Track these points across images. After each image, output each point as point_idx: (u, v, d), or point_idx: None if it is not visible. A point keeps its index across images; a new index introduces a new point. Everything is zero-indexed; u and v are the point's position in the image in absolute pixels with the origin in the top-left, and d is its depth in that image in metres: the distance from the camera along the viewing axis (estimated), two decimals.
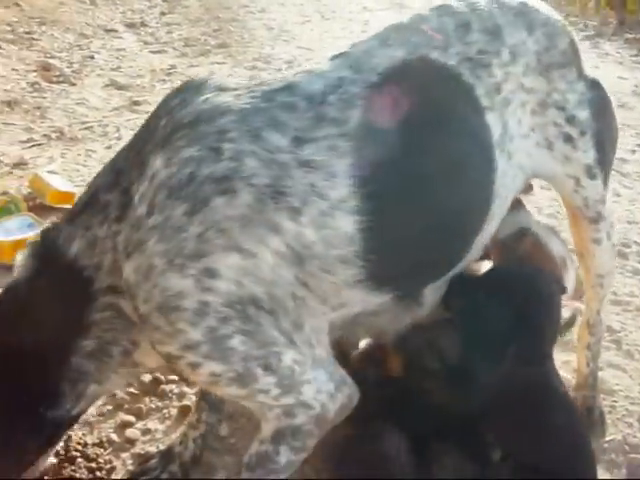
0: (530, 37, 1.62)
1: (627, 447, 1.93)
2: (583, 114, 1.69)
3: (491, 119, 1.53)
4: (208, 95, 1.33)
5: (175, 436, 1.81)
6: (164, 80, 4.89)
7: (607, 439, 1.94)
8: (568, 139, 1.68)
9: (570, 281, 1.82)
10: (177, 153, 1.24)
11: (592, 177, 1.73)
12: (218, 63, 5.40)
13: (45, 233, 1.37)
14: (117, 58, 5.38)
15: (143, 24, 6.54)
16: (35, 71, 4.82)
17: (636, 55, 7.19)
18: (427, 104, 1.45)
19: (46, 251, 1.33)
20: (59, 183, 2.91)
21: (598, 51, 7.22)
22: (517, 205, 1.80)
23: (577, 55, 1.73)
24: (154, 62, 5.33)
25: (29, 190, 2.97)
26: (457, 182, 1.46)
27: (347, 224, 1.30)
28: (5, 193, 2.91)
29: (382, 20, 6.21)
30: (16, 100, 4.14)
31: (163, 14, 7.07)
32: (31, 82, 4.56)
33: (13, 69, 4.79)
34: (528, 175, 1.69)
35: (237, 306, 1.22)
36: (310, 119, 1.31)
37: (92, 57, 5.32)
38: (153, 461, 1.76)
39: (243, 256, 1.22)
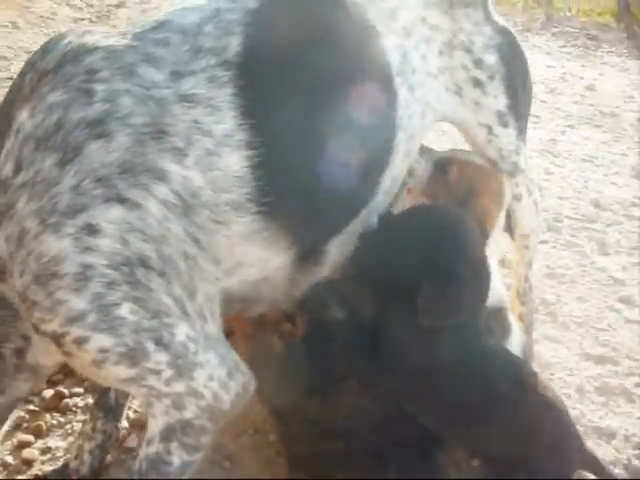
0: None
1: None
2: (491, 58, 1.60)
3: (387, 45, 1.42)
4: (71, 38, 1.17)
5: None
6: None
7: None
8: (477, 84, 1.59)
9: (506, 184, 1.69)
10: (42, 100, 1.09)
11: (504, 125, 1.64)
12: None
13: None
14: None
15: None
16: None
17: (563, 46, 7.35)
18: (314, 26, 1.32)
19: None
20: None
21: (527, 44, 7.25)
22: (426, 148, 1.67)
23: None
24: None
25: None
26: (352, 109, 1.32)
27: (236, 162, 1.15)
28: None
29: None
30: None
31: None
32: None
33: None
34: (438, 118, 1.58)
35: (124, 268, 1.06)
36: (187, 52, 1.17)
37: (11, 78, 5.09)
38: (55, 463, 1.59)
39: (126, 208, 1.06)
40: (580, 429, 1.75)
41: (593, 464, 1.48)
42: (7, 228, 1.07)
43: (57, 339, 1.10)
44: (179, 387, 1.14)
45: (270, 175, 1.18)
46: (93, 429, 1.56)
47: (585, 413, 1.84)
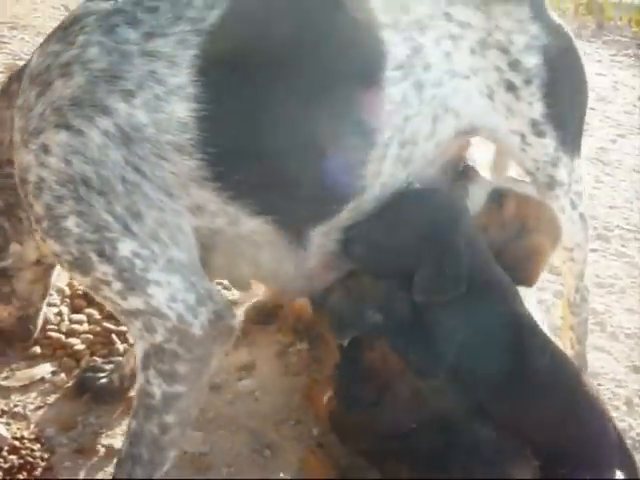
0: None
1: None
2: (531, 60, 1.50)
3: (389, 37, 1.38)
4: (93, 2, 1.35)
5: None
6: None
7: None
8: (510, 87, 1.50)
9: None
10: (47, 48, 1.33)
11: (539, 134, 1.55)
12: None
13: None
14: None
15: None
16: (2, 72, 4.64)
17: (614, 55, 7.20)
18: (297, 6, 1.36)
19: None
20: None
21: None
22: (473, 175, 1.60)
23: None
24: None
25: None
26: (326, 92, 1.33)
27: (181, 109, 1.26)
28: None
29: None
30: None
31: None
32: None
33: None
34: (464, 125, 1.50)
35: (69, 185, 1.24)
36: (168, 18, 1.30)
37: None
38: (107, 366, 1.78)
39: (71, 134, 1.24)
40: (628, 442, 1.72)
41: (630, 467, 1.44)
42: (14, 136, 1.34)
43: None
44: (136, 302, 1.24)
45: (214, 129, 1.27)
46: None
47: (633, 426, 1.80)
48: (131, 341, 1.89)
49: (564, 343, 1.86)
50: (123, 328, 1.91)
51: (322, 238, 1.42)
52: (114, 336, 1.90)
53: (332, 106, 1.33)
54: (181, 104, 1.26)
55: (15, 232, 1.49)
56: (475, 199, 1.57)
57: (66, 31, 1.32)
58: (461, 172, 1.61)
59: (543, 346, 1.40)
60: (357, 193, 1.41)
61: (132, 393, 1.71)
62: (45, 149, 1.25)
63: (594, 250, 2.70)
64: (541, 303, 2.29)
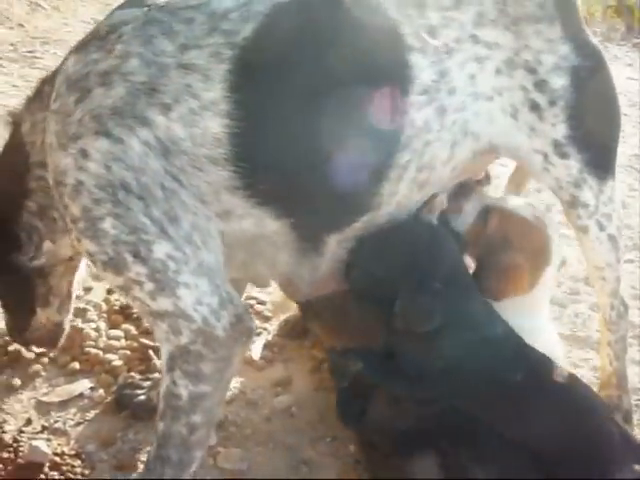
0: None
1: None
2: (558, 81, 1.49)
3: (416, 61, 1.41)
4: (126, 11, 1.41)
5: None
6: None
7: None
8: (534, 107, 1.50)
9: (553, 234, 1.65)
10: (85, 56, 1.36)
11: (562, 156, 1.54)
12: None
13: (13, 114, 1.53)
14: None
15: None
16: None
17: None
18: (331, 26, 1.39)
19: (12, 128, 1.52)
20: None
21: (607, 55, 7.08)
22: (468, 192, 1.65)
23: (566, 11, 1.53)
24: None
25: None
26: (351, 113, 1.37)
27: (215, 125, 1.32)
28: None
29: None
30: None
31: None
32: None
33: (13, 85, 4.70)
34: (483, 145, 1.52)
35: (108, 189, 1.29)
36: (203, 30, 1.34)
37: None
38: (144, 383, 1.79)
39: (111, 141, 1.30)
40: None
41: None
42: (47, 137, 1.38)
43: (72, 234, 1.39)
44: (165, 303, 1.29)
45: (245, 144, 1.33)
46: None
47: None
48: None
49: (602, 359, 1.84)
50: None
51: (336, 246, 1.49)
52: (151, 352, 1.92)
53: (356, 126, 1.38)
54: (214, 120, 1.31)
55: (48, 231, 1.54)
56: (467, 216, 1.64)
57: (104, 40, 1.36)
58: (458, 189, 1.64)
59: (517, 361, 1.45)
60: (372, 208, 1.47)
61: None
62: (84, 154, 1.30)
63: (630, 261, 2.67)
64: (577, 316, 2.28)
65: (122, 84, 1.31)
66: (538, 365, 1.45)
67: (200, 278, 1.31)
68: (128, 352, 1.92)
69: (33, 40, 6.02)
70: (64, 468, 1.56)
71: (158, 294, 1.29)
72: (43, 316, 1.69)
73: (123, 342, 1.96)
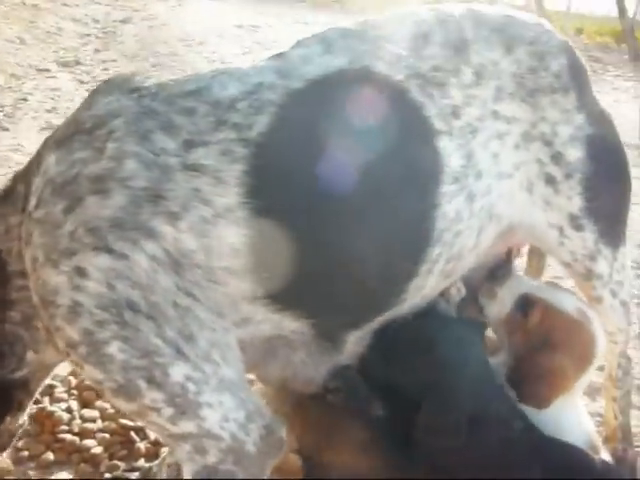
0: (507, 56, 1.40)
1: None
2: (574, 153, 1.45)
3: (446, 146, 1.31)
4: (112, 98, 1.23)
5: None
6: None
7: None
8: (550, 181, 1.44)
9: (599, 333, 1.55)
10: (70, 154, 1.19)
11: (578, 228, 1.49)
12: None
13: None
14: (52, 99, 5.03)
15: (77, 62, 6.22)
16: None
17: None
18: (354, 119, 1.24)
19: None
20: None
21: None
22: (508, 272, 1.55)
23: (580, 79, 1.49)
24: None
25: None
26: (379, 212, 1.27)
27: (232, 235, 1.17)
28: None
29: None
30: None
31: (97, 51, 6.76)
32: None
33: None
34: (504, 226, 1.44)
35: (112, 310, 1.14)
36: (208, 123, 1.19)
37: (25, 99, 4.96)
38: (132, 476, 1.64)
39: (114, 257, 1.14)
40: None
41: None
42: (28, 250, 1.21)
43: (68, 357, 1.22)
44: (188, 426, 1.17)
45: (268, 254, 1.19)
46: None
47: None
48: (152, 438, 1.74)
49: (607, 413, 1.79)
50: (141, 423, 1.76)
51: (355, 342, 1.39)
52: (132, 433, 1.75)
53: (386, 223, 1.27)
54: (230, 229, 1.17)
55: (32, 340, 1.36)
56: (503, 304, 1.51)
57: (90, 134, 1.19)
58: (492, 272, 1.54)
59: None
60: (398, 303, 1.35)
61: None
62: (81, 272, 1.14)
63: None
64: None
65: (120, 191, 1.15)
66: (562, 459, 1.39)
67: (223, 394, 1.18)
68: (107, 435, 1.74)
69: None
70: None
71: (179, 418, 1.16)
72: (12, 422, 1.49)
73: (100, 424, 1.78)
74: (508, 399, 1.46)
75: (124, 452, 1.71)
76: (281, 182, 1.20)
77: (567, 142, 1.44)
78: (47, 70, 5.79)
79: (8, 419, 1.46)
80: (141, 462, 1.67)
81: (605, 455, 1.54)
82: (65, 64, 6.09)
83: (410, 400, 1.36)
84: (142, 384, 1.14)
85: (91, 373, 1.18)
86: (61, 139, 1.23)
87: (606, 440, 1.78)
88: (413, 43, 1.34)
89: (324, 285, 1.27)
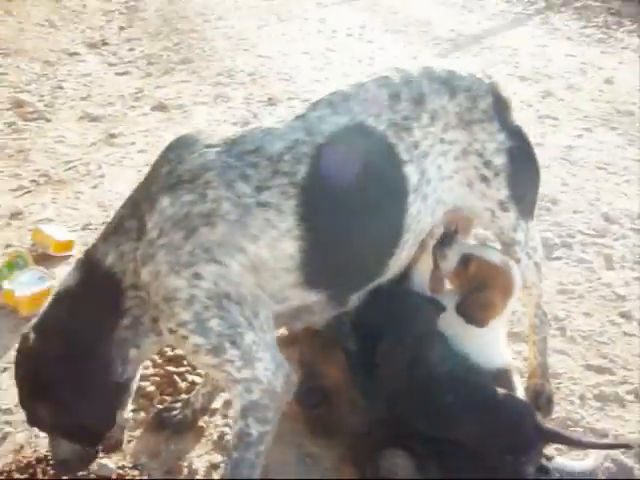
0: (452, 101, 2.05)
1: (570, 422, 2.39)
2: (499, 160, 2.10)
3: (409, 170, 1.98)
4: (197, 153, 1.84)
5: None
6: (133, 106, 5.23)
7: (553, 417, 2.39)
8: (484, 179, 2.11)
9: (517, 275, 2.23)
10: (179, 198, 1.79)
11: (505, 210, 2.17)
12: (183, 82, 5.73)
13: (87, 251, 1.91)
14: (85, 85, 5.67)
15: (104, 42, 6.81)
16: (10, 109, 5.10)
17: (584, 27, 7.53)
18: (358, 160, 1.93)
19: (89, 263, 1.88)
20: (58, 234, 3.29)
21: (547, 27, 7.63)
22: (453, 239, 2.23)
23: (501, 110, 2.14)
24: (121, 86, 5.65)
25: (32, 242, 3.34)
26: (375, 219, 1.95)
27: (291, 247, 1.83)
28: (9, 246, 3.31)
29: (338, 17, 6.60)
30: None
31: (122, 29, 7.33)
32: (8, 122, 4.84)
33: None
34: (449, 207, 2.12)
35: (215, 299, 1.76)
36: (269, 172, 1.83)
37: (61, 87, 5.59)
38: (177, 404, 2.39)
39: (219, 265, 1.77)
40: (579, 429, 2.34)
41: (557, 437, 2.06)
42: (150, 266, 1.78)
43: (171, 332, 1.82)
44: (246, 374, 1.81)
45: (310, 255, 1.85)
46: (207, 378, 2.33)
47: (584, 417, 2.40)
48: (190, 379, 2.48)
49: (530, 354, 2.49)
50: (181, 369, 2.51)
51: (355, 299, 2.08)
52: (175, 376, 2.49)
53: (383, 226, 1.98)
54: (289, 243, 1.82)
55: (135, 338, 1.90)
56: (450, 262, 2.21)
57: (193, 184, 1.79)
58: (442, 240, 2.21)
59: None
60: (384, 273, 2.06)
61: (200, 423, 2.34)
62: (197, 276, 1.75)
63: (558, 258, 3.30)
64: (513, 314, 2.87)
65: (222, 223, 1.76)
66: (475, 387, 2.08)
67: (266, 352, 1.83)
68: (157, 379, 2.49)
69: None
70: (127, 478, 2.14)
71: (243, 368, 1.80)
72: (121, 419, 2.04)
73: (152, 370, 2.52)
74: (443, 346, 2.16)
75: (170, 390, 2.47)
76: (320, 207, 1.85)
77: (494, 153, 2.10)
78: (77, 54, 6.41)
79: (118, 417, 1.99)
80: (182, 396, 2.41)
81: (517, 376, 2.22)
82: (93, 45, 6.69)
83: (378, 338, 2.08)
84: (227, 345, 1.77)
85: (194, 340, 1.76)
86: (167, 187, 1.80)
87: (529, 376, 2.47)
88: (389, 101, 1.99)
89: (341, 269, 1.94)
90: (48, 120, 4.94)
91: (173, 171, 1.83)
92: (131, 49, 6.67)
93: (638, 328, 2.84)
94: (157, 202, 1.79)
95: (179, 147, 1.89)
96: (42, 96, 5.39)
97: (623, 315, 2.91)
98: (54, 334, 1.83)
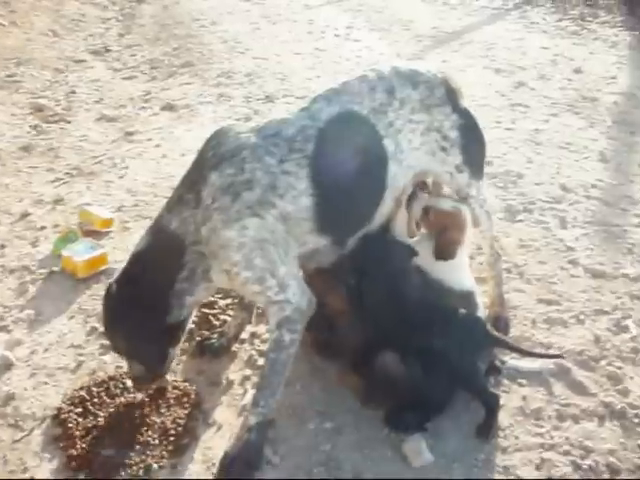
0: (415, 91, 2.82)
1: (522, 339, 3.13)
2: (453, 134, 2.88)
3: (387, 142, 2.71)
4: (233, 138, 2.53)
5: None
6: (144, 107, 5.97)
7: (510, 336, 3.13)
8: (443, 149, 2.89)
9: (466, 213, 3.01)
10: (224, 171, 2.46)
11: (460, 171, 2.94)
12: (187, 84, 6.47)
13: (155, 220, 2.59)
14: (96, 90, 6.37)
15: (107, 49, 7.51)
16: (31, 114, 5.82)
17: (560, 20, 8.19)
18: (350, 138, 2.66)
19: (158, 229, 2.56)
20: (101, 212, 4.06)
21: (525, 21, 8.37)
22: (417, 195, 3.01)
23: (453, 97, 2.90)
24: (129, 89, 6.37)
25: (78, 221, 4.09)
26: (365, 179, 2.67)
27: (307, 201, 2.51)
28: (57, 226, 4.06)
29: (326, 19, 7.50)
30: (29, 145, 5.18)
31: (121, 35, 8.01)
32: (32, 125, 5.56)
33: (12, 114, 5.78)
34: (417, 171, 2.88)
35: (258, 242, 2.43)
36: (287, 149, 2.52)
37: (74, 92, 6.30)
38: (213, 336, 3.12)
39: (259, 219, 2.43)
40: (530, 344, 3.09)
41: (502, 343, 2.83)
42: (208, 225, 2.45)
43: (226, 271, 2.50)
44: (281, 296, 2.49)
45: (321, 208, 2.54)
46: (237, 313, 3.11)
47: (535, 334, 3.15)
48: (222, 318, 3.24)
49: (489, 288, 3.25)
50: (215, 311, 3.26)
51: (352, 241, 2.78)
52: (210, 316, 3.24)
53: (370, 184, 2.71)
54: (306, 199, 2.51)
55: (191, 287, 2.57)
56: (415, 211, 3.00)
57: (232, 160, 2.46)
58: (410, 196, 2.99)
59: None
60: (372, 220, 2.81)
61: (233, 349, 3.09)
62: (244, 227, 2.41)
63: (520, 221, 4.05)
64: (480, 264, 3.61)
65: (258, 187, 2.43)
66: (440, 307, 2.83)
67: (294, 281, 2.51)
68: (196, 319, 3.23)
69: (6, 62, 7.02)
70: (182, 386, 2.88)
71: (279, 292, 2.47)
72: (174, 353, 2.76)
73: None
74: (422, 276, 2.91)
75: (207, 326, 3.22)
76: (325, 172, 2.52)
77: (449, 129, 2.88)
78: (84, 61, 7.11)
79: (171, 351, 2.71)
80: (218, 330, 3.16)
81: (480, 298, 3.01)
82: (96, 52, 7.37)
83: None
84: (267, 276, 2.44)
85: (244, 275, 2.43)
86: (214, 165, 2.45)
87: (489, 306, 3.22)
88: (369, 93, 2.71)
89: (344, 219, 2.66)
90: (68, 122, 5.65)
91: (216, 154, 2.50)
92: (133, 55, 7.35)
93: (583, 271, 3.60)
94: (208, 177, 2.45)
95: (218, 137, 2.57)
96: (58, 101, 6.09)
97: (571, 262, 3.66)
98: (129, 285, 2.57)
